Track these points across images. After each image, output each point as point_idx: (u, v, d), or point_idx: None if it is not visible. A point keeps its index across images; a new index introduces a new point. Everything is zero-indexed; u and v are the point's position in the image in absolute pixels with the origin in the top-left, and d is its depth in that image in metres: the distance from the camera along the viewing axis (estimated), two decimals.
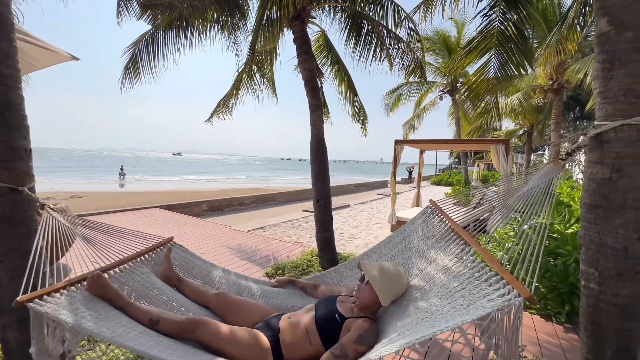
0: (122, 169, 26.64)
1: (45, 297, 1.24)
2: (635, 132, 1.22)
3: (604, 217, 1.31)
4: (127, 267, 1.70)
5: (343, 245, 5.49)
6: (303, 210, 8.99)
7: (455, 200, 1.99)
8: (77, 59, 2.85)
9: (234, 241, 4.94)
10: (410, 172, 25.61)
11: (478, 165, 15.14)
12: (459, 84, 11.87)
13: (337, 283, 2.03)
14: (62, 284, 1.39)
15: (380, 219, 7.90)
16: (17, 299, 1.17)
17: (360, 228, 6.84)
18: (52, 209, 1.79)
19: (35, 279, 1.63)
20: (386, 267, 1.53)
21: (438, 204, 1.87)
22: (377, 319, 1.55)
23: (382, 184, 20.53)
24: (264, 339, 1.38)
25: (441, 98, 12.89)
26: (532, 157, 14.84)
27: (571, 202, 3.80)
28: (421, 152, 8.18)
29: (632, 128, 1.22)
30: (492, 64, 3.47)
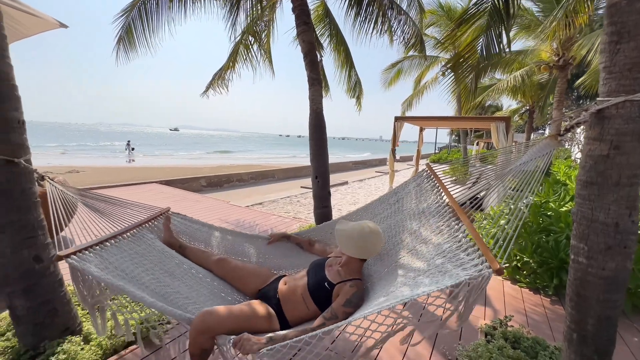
0: (128, 143, 26.06)
1: (79, 254, 1.38)
2: (637, 108, 1.21)
3: (598, 193, 1.32)
4: (136, 232, 1.76)
5: None
6: (301, 187, 9.05)
7: (447, 167, 2.01)
8: (65, 26, 2.72)
9: (232, 216, 5.01)
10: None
11: (477, 144, 15.07)
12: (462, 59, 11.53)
13: (330, 238, 2.11)
14: (94, 242, 1.49)
15: (378, 196, 7.98)
16: (58, 253, 1.33)
17: (357, 205, 6.91)
18: (52, 180, 1.79)
19: (38, 250, 1.67)
20: (351, 227, 1.60)
21: (434, 169, 1.89)
22: (365, 278, 1.64)
23: (381, 162, 20.53)
24: (269, 309, 1.46)
25: (443, 74, 12.55)
26: (532, 136, 14.75)
27: (567, 181, 3.84)
28: (421, 130, 8.10)
29: (635, 104, 1.21)
30: (481, 39, 3.42)
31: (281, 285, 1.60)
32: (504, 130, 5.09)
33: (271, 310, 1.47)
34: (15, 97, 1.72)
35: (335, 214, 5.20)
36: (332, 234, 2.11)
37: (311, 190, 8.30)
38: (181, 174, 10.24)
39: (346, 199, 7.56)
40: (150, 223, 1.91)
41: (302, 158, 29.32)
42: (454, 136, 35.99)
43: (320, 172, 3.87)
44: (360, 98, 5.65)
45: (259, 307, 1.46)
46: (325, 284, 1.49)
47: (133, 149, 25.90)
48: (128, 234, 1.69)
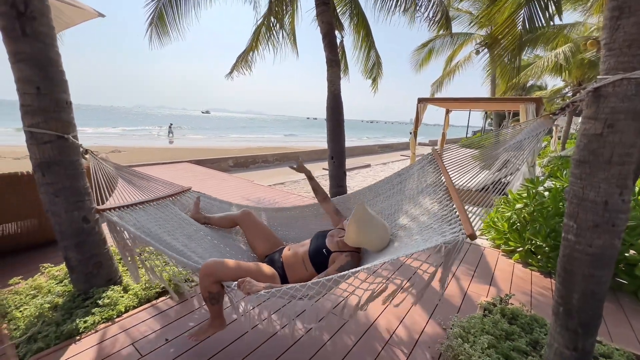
0: (170, 126, 27.56)
1: (113, 211, 1.69)
2: (634, 86, 1.20)
3: (589, 172, 1.34)
4: (161, 202, 2.03)
5: None
6: (323, 169, 9.20)
7: (460, 147, 2.05)
8: (103, 15, 2.99)
9: (255, 194, 5.30)
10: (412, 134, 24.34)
11: (514, 127, 14.18)
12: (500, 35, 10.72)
13: (342, 210, 2.24)
14: (126, 204, 1.79)
15: None
16: (96, 207, 1.67)
17: None
18: (95, 154, 2.08)
19: (86, 212, 1.97)
20: (369, 217, 1.65)
21: (439, 154, 1.94)
22: (363, 254, 1.77)
23: (407, 146, 20.06)
24: (272, 270, 1.67)
25: (477, 52, 11.80)
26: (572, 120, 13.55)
27: None
28: (447, 112, 7.84)
29: (632, 82, 1.20)
30: (522, 10, 3.20)
31: (285, 251, 1.80)
32: (533, 112, 4.84)
33: (274, 270, 1.67)
34: (63, 81, 1.99)
35: None
36: (348, 211, 2.25)
37: None
38: (211, 155, 10.79)
39: (367, 181, 7.62)
40: (173, 197, 2.17)
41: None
42: (489, 120, 33.97)
43: (336, 153, 3.98)
44: (377, 80, 5.58)
45: (265, 267, 1.66)
46: (324, 250, 1.66)
47: (173, 132, 27.29)
48: (154, 203, 1.97)
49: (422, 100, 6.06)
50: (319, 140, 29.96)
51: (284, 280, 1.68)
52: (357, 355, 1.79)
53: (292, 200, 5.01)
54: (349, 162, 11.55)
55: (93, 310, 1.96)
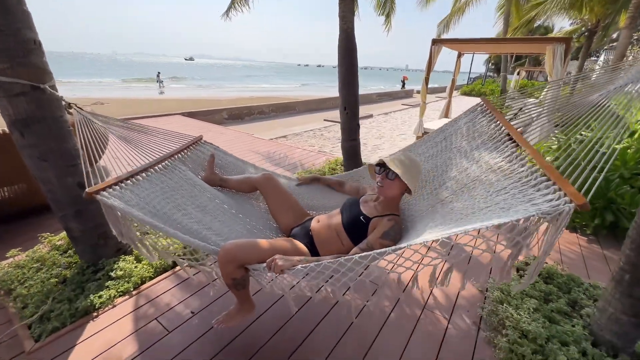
0: (159, 75, 25.07)
1: (109, 189, 1.32)
2: None
3: None
4: (168, 164, 1.72)
5: (366, 155, 5.45)
6: (325, 120, 8.75)
7: (515, 96, 1.77)
8: None
9: (258, 148, 4.99)
10: (403, 83, 23.06)
11: (518, 73, 13.53)
12: None
13: (360, 181, 2.00)
14: (125, 176, 1.43)
15: (404, 131, 7.63)
16: (87, 190, 1.25)
17: (383, 139, 6.68)
18: (81, 109, 1.72)
19: (81, 177, 1.68)
20: (404, 158, 1.46)
21: (493, 104, 1.66)
22: (403, 217, 1.59)
23: (407, 94, 19.23)
24: (302, 246, 1.47)
25: None
26: (585, 64, 12.90)
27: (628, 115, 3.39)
28: (459, 56, 7.22)
29: None
30: None
31: (314, 223, 1.57)
32: (562, 55, 4.40)
33: (304, 247, 1.47)
34: (25, 13, 1.55)
35: (360, 148, 5.05)
36: (364, 179, 2.01)
37: (335, 123, 8.00)
38: (203, 106, 10.11)
39: (371, 132, 7.29)
40: (182, 154, 1.86)
41: (322, 89, 27.96)
42: (490, 64, 32.40)
43: (350, 102, 3.61)
44: (390, 16, 4.92)
45: (293, 242, 1.46)
46: (361, 217, 1.44)
47: (162, 81, 25.10)
48: (160, 165, 1.64)
49: (436, 42, 5.47)
50: (316, 90, 28.65)
51: (314, 254, 1.47)
52: (396, 323, 1.71)
53: (299, 155, 4.74)
54: None
55: (107, 284, 1.80)
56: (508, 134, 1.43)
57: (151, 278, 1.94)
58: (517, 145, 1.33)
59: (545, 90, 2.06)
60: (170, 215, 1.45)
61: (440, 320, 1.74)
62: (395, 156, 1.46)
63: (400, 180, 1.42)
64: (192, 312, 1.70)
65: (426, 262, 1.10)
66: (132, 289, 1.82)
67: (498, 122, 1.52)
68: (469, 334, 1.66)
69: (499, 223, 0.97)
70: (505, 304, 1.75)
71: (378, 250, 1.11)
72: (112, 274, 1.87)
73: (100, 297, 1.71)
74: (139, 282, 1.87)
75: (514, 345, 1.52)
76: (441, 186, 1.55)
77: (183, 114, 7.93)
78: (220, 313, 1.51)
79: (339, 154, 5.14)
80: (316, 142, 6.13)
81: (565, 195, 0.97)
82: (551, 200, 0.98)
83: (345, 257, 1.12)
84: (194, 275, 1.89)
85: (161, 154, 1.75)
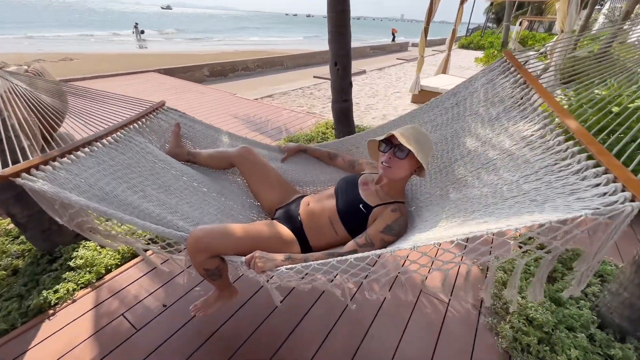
0: (136, 26, 22.51)
1: (34, 170, 1.06)
2: None
3: None
4: (121, 135, 1.41)
5: (359, 116, 5.08)
6: (314, 77, 8.14)
7: (536, 53, 1.45)
8: None
9: (241, 110, 4.57)
10: (393, 36, 21.39)
11: (520, 23, 12.63)
12: None
13: (354, 152, 1.73)
14: (59, 152, 1.16)
15: (399, 88, 7.15)
16: (1, 173, 0.99)
17: (377, 98, 6.24)
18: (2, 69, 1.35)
19: (15, 155, 1.35)
20: (415, 132, 1.18)
21: (516, 58, 1.35)
22: (408, 201, 1.37)
23: (402, 47, 18.12)
24: (288, 232, 1.24)
25: None
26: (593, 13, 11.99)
27: None
28: (462, 2, 6.56)
29: None
30: None
31: (304, 206, 1.32)
32: (578, 1, 3.93)
33: (291, 233, 1.25)
34: None
35: (353, 108, 4.66)
36: (358, 149, 1.73)
37: (325, 80, 7.44)
38: (181, 61, 9.25)
39: (364, 90, 6.80)
40: (138, 123, 1.53)
41: (313, 42, 26.13)
42: (490, 13, 30.37)
43: (341, 57, 3.18)
44: None
45: (277, 227, 1.23)
46: (361, 206, 1.20)
47: (142, 31, 22.56)
48: (109, 138, 1.33)
49: None
50: (304, 43, 26.87)
51: (305, 246, 1.25)
52: (392, 310, 1.57)
53: (285, 117, 4.36)
54: None
55: (65, 275, 1.58)
56: (539, 100, 1.15)
57: (117, 265, 1.72)
58: (552, 115, 1.06)
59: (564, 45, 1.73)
60: (123, 198, 1.19)
61: (439, 304, 1.61)
62: (405, 130, 1.18)
63: (411, 159, 1.16)
64: (164, 305, 1.52)
65: (437, 265, 0.89)
66: (94, 280, 1.61)
67: (526, 83, 1.23)
68: (469, 320, 1.54)
69: (532, 223, 0.74)
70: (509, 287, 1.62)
71: (377, 251, 0.89)
72: (71, 263, 1.64)
73: (56, 291, 1.50)
74: (103, 271, 1.66)
75: (517, 334, 1.40)
76: (452, 164, 1.30)
77: (159, 71, 7.21)
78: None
79: (329, 116, 4.77)
80: (305, 102, 5.68)
81: (624, 188, 0.73)
82: (605, 194, 0.74)
83: (338, 259, 0.90)
84: (162, 263, 1.68)
85: (111, 125, 1.42)
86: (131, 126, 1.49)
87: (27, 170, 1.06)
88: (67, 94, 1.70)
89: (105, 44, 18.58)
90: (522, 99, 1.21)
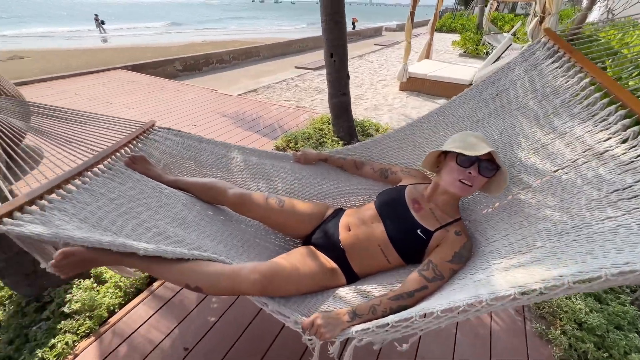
0: (97, 17, 20.36)
1: (17, 214, 0.85)
2: None
3: None
4: (113, 163, 1.17)
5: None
6: (295, 67, 7.82)
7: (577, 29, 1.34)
8: None
9: (227, 108, 4.25)
10: (353, 25, 20.39)
11: (491, 4, 12.80)
12: None
13: (385, 159, 1.54)
14: (47, 186, 0.94)
15: (384, 75, 7.02)
16: None
17: (364, 87, 6.08)
18: None
19: None
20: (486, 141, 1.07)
21: (561, 38, 1.22)
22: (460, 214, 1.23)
23: (377, 32, 17.92)
24: (330, 263, 1.09)
25: None
26: None
27: None
28: None
29: None
30: None
31: (344, 232, 1.14)
32: None
33: (333, 264, 1.09)
34: None
35: None
36: (369, 150, 1.55)
37: (308, 70, 7.16)
38: (149, 55, 8.58)
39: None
40: (129, 147, 1.28)
41: (284, 30, 25.32)
42: None
43: (337, 48, 2.98)
44: None
45: (319, 258, 1.07)
46: (419, 231, 1.05)
47: (103, 22, 20.43)
48: (100, 166, 1.10)
49: None
50: (279, 31, 26.04)
51: (346, 269, 1.10)
52: None
53: (275, 114, 4.10)
54: (314, 57, 9.86)
55: (60, 326, 1.34)
56: (601, 90, 1.03)
57: (122, 305, 1.49)
58: (630, 111, 0.94)
59: None
60: (136, 238, 0.97)
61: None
62: (483, 138, 1.06)
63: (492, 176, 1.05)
64: (185, 349, 1.32)
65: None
66: (96, 327, 1.38)
67: (583, 68, 1.09)
68: (516, 328, 1.46)
69: (632, 269, 0.57)
70: None
71: (466, 301, 0.73)
72: (65, 308, 1.39)
73: (52, 347, 1.26)
74: (106, 314, 1.42)
75: (572, 340, 1.34)
76: (511, 167, 1.16)
77: (126, 68, 6.61)
78: (223, 344, 1.14)
79: (320, 109, 4.57)
80: (292, 96, 5.42)
81: None
82: None
83: (420, 313, 0.75)
84: (174, 296, 1.47)
85: (98, 150, 1.18)
86: (122, 151, 1.25)
87: (10, 214, 0.84)
88: (33, 114, 1.41)
89: (62, 40, 16.98)
90: (582, 90, 1.08)
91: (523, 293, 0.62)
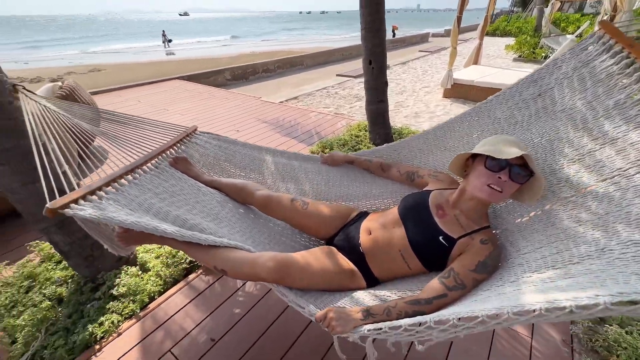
0: (164, 34, 23.45)
1: (82, 201, 0.98)
2: None
3: None
4: (159, 162, 1.30)
5: (390, 116, 4.84)
6: (337, 75, 7.93)
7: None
8: None
9: (268, 115, 4.45)
10: (393, 33, 18.96)
11: (552, 4, 11.77)
12: None
13: (413, 161, 1.49)
14: (103, 181, 1.08)
15: (427, 82, 6.80)
16: (47, 205, 0.91)
17: (405, 94, 5.95)
18: (28, 91, 1.26)
19: (56, 182, 1.27)
20: (522, 145, 1.01)
21: (617, 30, 1.08)
22: (490, 222, 1.14)
23: (423, 39, 17.48)
24: (349, 265, 1.09)
25: None
26: None
27: None
28: None
29: None
30: None
31: (364, 235, 1.14)
32: None
33: (353, 266, 1.08)
34: None
35: None
36: (397, 152, 1.52)
37: (349, 78, 7.22)
38: (202, 67, 9.33)
39: (390, 87, 6.45)
40: (174, 149, 1.41)
41: (332, 39, 25.85)
42: None
43: (376, 54, 2.97)
44: None
45: (339, 260, 1.08)
46: (441, 238, 1.01)
47: (170, 40, 23.52)
48: (149, 165, 1.24)
49: None
50: (323, 41, 26.68)
51: (366, 272, 1.09)
52: (465, 347, 1.37)
53: (314, 120, 4.19)
54: (355, 65, 9.85)
55: (109, 306, 1.50)
56: None
57: (161, 293, 1.63)
58: None
59: None
60: (182, 222, 1.10)
61: (520, 338, 1.39)
62: (518, 142, 1.00)
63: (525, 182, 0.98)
64: (212, 340, 1.40)
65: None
66: (138, 310, 1.52)
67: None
68: (562, 357, 1.31)
69: None
70: (611, 323, 1.37)
71: (486, 312, 0.68)
72: (114, 291, 1.56)
73: (101, 324, 1.42)
74: (147, 299, 1.57)
75: None
76: (552, 174, 1.06)
77: (182, 78, 7.27)
78: (248, 338, 1.19)
79: (358, 116, 4.57)
80: (331, 103, 5.50)
81: None
82: None
83: (436, 320, 0.72)
84: (207, 288, 1.56)
85: (148, 151, 1.32)
86: (167, 152, 1.38)
87: (75, 202, 0.98)
88: (102, 120, 1.62)
89: (132, 55, 19.22)
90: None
91: (550, 309, 0.56)
